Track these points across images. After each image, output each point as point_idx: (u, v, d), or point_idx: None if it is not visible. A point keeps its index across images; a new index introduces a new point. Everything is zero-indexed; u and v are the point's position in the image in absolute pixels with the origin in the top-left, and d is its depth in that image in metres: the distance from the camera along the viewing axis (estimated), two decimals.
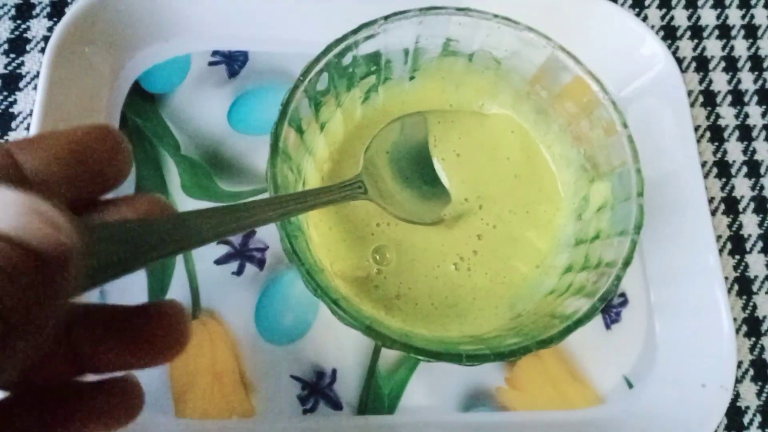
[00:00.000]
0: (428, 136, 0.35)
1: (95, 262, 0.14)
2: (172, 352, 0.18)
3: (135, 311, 0.18)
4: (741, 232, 0.39)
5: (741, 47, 0.43)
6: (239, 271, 0.34)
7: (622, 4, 0.43)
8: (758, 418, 0.35)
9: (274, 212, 0.24)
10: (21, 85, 0.37)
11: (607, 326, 0.36)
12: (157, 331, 0.18)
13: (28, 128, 0.36)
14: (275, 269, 0.35)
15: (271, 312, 0.34)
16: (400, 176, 0.33)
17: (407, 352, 0.25)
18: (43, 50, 0.38)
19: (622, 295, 0.36)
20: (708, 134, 0.41)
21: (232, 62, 0.38)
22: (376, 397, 0.33)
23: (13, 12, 0.39)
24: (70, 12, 0.35)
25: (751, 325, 0.37)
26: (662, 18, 0.43)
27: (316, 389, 0.33)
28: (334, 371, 0.33)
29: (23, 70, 0.38)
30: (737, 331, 0.37)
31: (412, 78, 0.35)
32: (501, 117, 0.36)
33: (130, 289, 0.33)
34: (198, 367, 0.33)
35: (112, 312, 0.18)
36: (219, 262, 0.35)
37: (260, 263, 0.35)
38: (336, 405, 0.33)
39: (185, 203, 0.35)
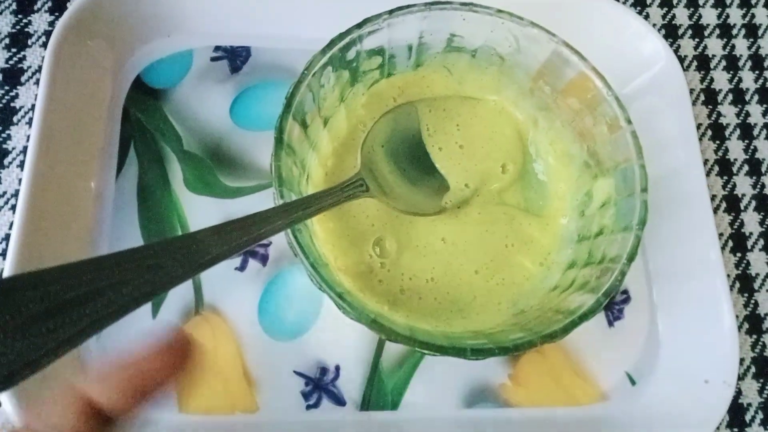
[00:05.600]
0: (421, 126, 0.35)
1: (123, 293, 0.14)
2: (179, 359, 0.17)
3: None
4: (742, 230, 0.39)
5: (742, 46, 0.44)
6: (242, 267, 0.34)
7: (624, 3, 0.43)
8: (760, 415, 0.35)
9: (282, 221, 0.24)
10: (22, 79, 0.37)
11: (610, 323, 0.36)
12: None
13: (29, 123, 0.36)
14: (278, 265, 0.35)
15: (274, 308, 0.34)
16: (398, 169, 0.33)
17: (412, 346, 0.25)
18: (44, 45, 0.38)
19: (625, 292, 0.36)
20: (709, 132, 0.41)
21: (235, 58, 0.38)
22: (380, 393, 0.33)
23: (14, 6, 0.38)
24: (72, 7, 0.35)
25: (752, 323, 0.37)
26: (663, 17, 0.43)
27: (320, 385, 0.33)
28: (337, 367, 0.33)
29: (25, 65, 0.37)
30: (739, 328, 0.37)
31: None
32: (490, 102, 0.36)
33: None
34: (201, 363, 0.32)
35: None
36: None
37: (263, 259, 0.35)
38: (339, 401, 0.33)
39: (188, 198, 0.35)
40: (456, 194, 0.34)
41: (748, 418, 0.35)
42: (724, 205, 0.40)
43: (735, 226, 0.39)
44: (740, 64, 0.43)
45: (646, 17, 0.43)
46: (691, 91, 0.42)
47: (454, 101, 0.36)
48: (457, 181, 0.34)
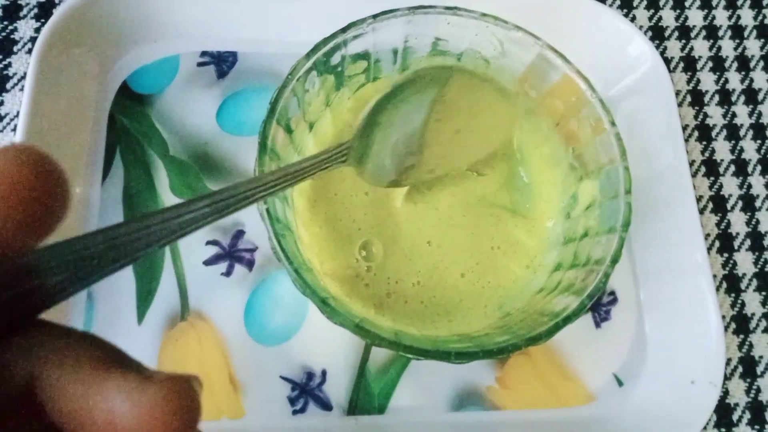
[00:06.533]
0: (443, 89, 0.32)
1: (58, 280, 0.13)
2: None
3: None
4: (729, 231, 0.39)
5: (728, 47, 0.44)
6: (228, 272, 0.34)
7: (611, 5, 0.43)
8: (747, 415, 0.35)
9: (256, 190, 0.22)
10: (8, 86, 0.37)
11: (597, 324, 0.36)
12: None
13: (14, 130, 0.36)
14: (264, 270, 0.35)
15: (260, 313, 0.34)
16: (388, 123, 0.31)
17: (396, 350, 0.25)
18: (30, 51, 0.38)
19: (612, 293, 0.36)
20: (696, 133, 0.41)
21: (221, 63, 0.38)
22: (366, 398, 0.33)
23: (0, 13, 0.38)
24: (57, 13, 0.35)
25: (739, 323, 0.37)
26: (650, 18, 0.44)
27: (306, 390, 0.33)
28: (323, 372, 0.33)
29: (10, 72, 0.37)
30: (726, 328, 0.37)
31: None
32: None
33: (117, 292, 0.33)
34: (187, 368, 0.32)
35: None
36: (208, 263, 0.34)
37: (249, 264, 0.35)
38: (326, 406, 0.33)
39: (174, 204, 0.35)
40: (417, 174, 0.32)
41: (735, 417, 0.35)
42: (710, 205, 0.40)
43: (722, 227, 0.39)
44: (726, 65, 0.43)
45: (633, 19, 0.43)
46: (678, 92, 0.42)
47: (488, 88, 0.33)
48: (427, 161, 0.33)
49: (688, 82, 0.43)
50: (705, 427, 0.34)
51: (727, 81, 0.43)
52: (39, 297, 0.13)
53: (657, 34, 0.43)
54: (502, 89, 0.33)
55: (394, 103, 0.31)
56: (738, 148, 0.41)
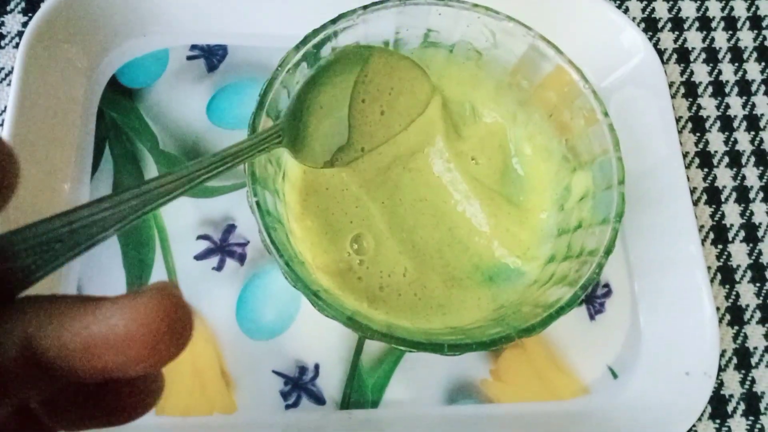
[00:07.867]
0: (364, 69, 0.32)
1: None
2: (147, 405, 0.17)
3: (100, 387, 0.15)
4: (723, 222, 0.39)
5: (721, 39, 0.44)
6: (219, 267, 0.34)
7: None
8: (742, 406, 0.35)
9: (201, 172, 0.22)
10: None
11: (591, 317, 0.36)
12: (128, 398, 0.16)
13: (2, 125, 0.36)
14: (256, 264, 0.34)
15: (252, 307, 0.33)
16: (316, 106, 0.31)
17: (389, 343, 0.25)
18: (17, 46, 0.37)
19: (606, 285, 0.36)
20: (690, 125, 0.41)
21: (211, 56, 0.38)
22: (360, 392, 0.33)
23: None
24: (45, 7, 0.34)
25: (734, 314, 0.37)
26: (643, 10, 0.43)
27: (299, 384, 0.33)
28: (316, 366, 0.33)
29: None
30: (720, 320, 0.37)
31: None
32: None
33: (107, 286, 0.33)
34: (178, 364, 0.32)
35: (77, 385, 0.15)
36: (199, 257, 0.34)
37: (241, 258, 0.34)
38: (319, 400, 0.32)
39: None
40: (347, 154, 0.33)
41: (730, 409, 0.35)
42: (704, 197, 0.40)
43: (716, 218, 0.39)
44: (720, 56, 0.43)
45: (626, 11, 0.43)
46: (672, 83, 0.42)
47: (405, 66, 0.34)
48: (356, 141, 0.33)
49: (682, 73, 0.42)
50: (700, 419, 0.34)
51: (720, 72, 0.43)
52: (12, 279, 0.13)
53: (650, 26, 0.43)
54: (418, 67, 0.34)
55: (320, 86, 0.31)
56: (732, 139, 0.41)
